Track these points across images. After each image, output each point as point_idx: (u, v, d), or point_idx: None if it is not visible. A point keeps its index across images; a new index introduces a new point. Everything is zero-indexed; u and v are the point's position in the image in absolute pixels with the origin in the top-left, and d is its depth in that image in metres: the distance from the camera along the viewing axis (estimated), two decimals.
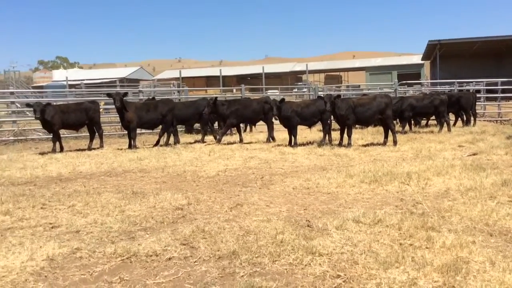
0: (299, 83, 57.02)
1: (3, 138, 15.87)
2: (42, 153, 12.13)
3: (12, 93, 19.47)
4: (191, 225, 5.15)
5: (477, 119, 17.47)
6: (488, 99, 22.67)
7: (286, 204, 6.09)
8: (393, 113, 12.95)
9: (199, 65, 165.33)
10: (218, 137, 13.58)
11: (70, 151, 12.64)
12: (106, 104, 20.07)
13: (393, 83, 22.22)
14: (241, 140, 13.59)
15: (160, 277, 3.84)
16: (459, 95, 17.08)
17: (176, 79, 50.74)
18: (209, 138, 14.63)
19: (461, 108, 16.68)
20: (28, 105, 13.18)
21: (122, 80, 57.45)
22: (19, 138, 15.90)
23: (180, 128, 16.21)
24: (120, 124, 13.99)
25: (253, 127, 17.23)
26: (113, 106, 12.88)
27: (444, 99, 14.87)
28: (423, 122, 17.44)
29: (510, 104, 23.05)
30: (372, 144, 12.13)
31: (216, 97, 13.88)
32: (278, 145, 12.49)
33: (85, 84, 34.18)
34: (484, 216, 5.14)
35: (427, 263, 3.83)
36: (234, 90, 33.45)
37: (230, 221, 5.30)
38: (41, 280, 3.84)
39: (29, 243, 4.64)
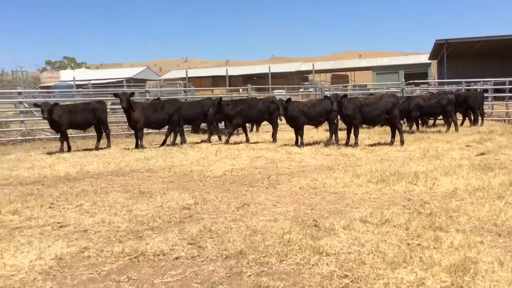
0: (305, 83, 56.97)
1: (11, 138, 15.98)
2: (49, 153, 12.21)
3: (20, 93, 19.59)
4: (198, 224, 5.16)
5: (484, 118, 17.37)
6: (495, 98, 22.54)
7: (293, 204, 6.09)
8: (400, 113, 12.91)
9: (206, 65, 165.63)
10: (225, 137, 13.58)
11: (78, 150, 12.71)
12: (113, 104, 20.15)
13: (400, 82, 22.14)
14: (247, 140, 13.60)
15: (168, 276, 3.85)
16: (467, 94, 17.00)
17: (183, 79, 50.88)
18: (215, 138, 14.66)
19: (469, 107, 16.60)
20: (36, 105, 13.27)
21: (128, 80, 57.63)
22: (27, 138, 15.99)
23: (187, 128, 16.24)
24: (127, 124, 14.05)
25: (259, 127, 17.23)
26: (120, 106, 12.92)
27: (451, 98, 14.80)
28: (431, 121, 17.37)
29: None
30: (379, 143, 12.09)
31: (220, 97, 13.89)
32: (285, 144, 12.49)
33: (92, 84, 34.37)
34: (492, 216, 5.11)
35: (435, 263, 3.82)
36: (241, 90, 33.46)
37: (237, 221, 5.31)
38: (49, 279, 3.87)
39: (38, 242, 4.67)
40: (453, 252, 4.06)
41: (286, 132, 15.10)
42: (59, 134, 12.67)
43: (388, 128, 13.01)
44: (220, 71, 69.11)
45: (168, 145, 12.97)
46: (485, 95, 19.37)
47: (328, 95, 12.74)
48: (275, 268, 3.91)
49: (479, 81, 25.60)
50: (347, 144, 11.71)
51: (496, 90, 23.32)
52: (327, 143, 12.08)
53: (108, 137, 13.38)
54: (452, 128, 14.58)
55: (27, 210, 6.01)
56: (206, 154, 11.13)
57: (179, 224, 5.31)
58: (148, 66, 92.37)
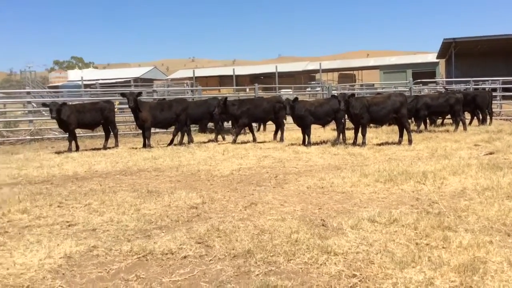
0: (312, 82, 56.87)
1: (20, 137, 16.09)
2: (58, 152, 12.28)
3: (28, 93, 19.76)
4: (206, 224, 5.17)
5: (493, 118, 17.26)
6: (504, 97, 22.37)
7: (301, 203, 6.08)
8: (408, 112, 12.86)
9: (213, 65, 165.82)
10: (233, 137, 13.58)
11: (86, 150, 12.78)
12: (120, 103, 20.23)
13: (408, 81, 22.04)
14: (254, 139, 13.60)
15: (176, 275, 3.86)
16: (475, 93, 16.90)
17: (190, 78, 50.94)
18: (221, 137, 14.68)
19: (477, 106, 16.50)
20: (44, 104, 13.36)
21: (136, 79, 57.84)
22: (35, 137, 16.10)
23: (194, 127, 16.27)
24: (135, 123, 14.11)
25: (266, 126, 17.23)
26: (128, 106, 12.98)
27: (459, 97, 14.71)
28: (439, 121, 17.28)
29: None
30: (386, 143, 12.05)
31: (226, 97, 13.89)
32: (292, 144, 12.48)
33: (100, 84, 34.54)
34: (501, 216, 5.08)
35: (444, 263, 3.80)
36: (248, 90, 33.47)
37: (245, 220, 5.31)
38: (58, 277, 3.89)
39: (47, 241, 4.70)
40: (462, 252, 4.04)
41: (293, 131, 15.10)
42: (68, 133, 12.75)
43: (395, 128, 12.96)
44: (227, 71, 69.14)
45: (175, 145, 13.01)
46: (494, 94, 19.23)
47: (336, 94, 12.71)
48: (283, 268, 3.91)
49: (488, 80, 25.40)
50: (354, 143, 11.68)
51: (505, 89, 23.15)
52: (334, 143, 12.06)
53: (116, 136, 13.44)
54: (461, 127, 14.49)
55: (36, 209, 6.05)
56: (213, 153, 11.15)
57: (187, 223, 5.32)
58: (155, 65, 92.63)
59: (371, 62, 70.21)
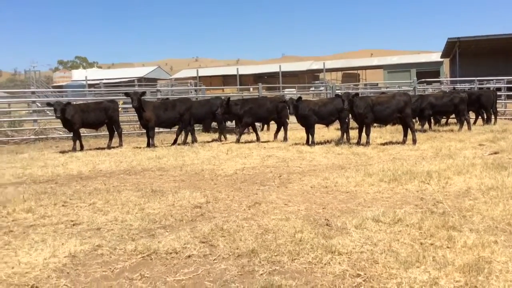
0: (316, 82, 56.80)
1: (25, 137, 16.15)
2: (62, 152, 12.32)
3: (33, 92, 19.80)
4: (210, 223, 5.18)
5: (498, 117, 17.20)
6: (509, 97, 22.29)
7: (305, 203, 6.08)
8: (413, 112, 12.83)
9: (216, 64, 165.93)
10: (237, 137, 13.58)
11: (90, 149, 12.82)
12: (124, 103, 20.27)
13: (412, 81, 21.99)
14: (258, 139, 13.60)
15: (180, 274, 3.87)
16: (480, 93, 16.84)
17: (194, 78, 50.93)
18: (226, 136, 14.69)
19: (482, 106, 16.45)
20: (49, 104, 13.38)
21: (140, 79, 57.90)
22: (40, 137, 16.16)
23: (198, 127, 16.29)
24: (139, 123, 14.13)
25: (270, 126, 17.22)
26: (132, 106, 13.01)
27: (464, 97, 14.67)
28: (443, 120, 17.24)
29: None
30: (391, 142, 12.03)
31: (229, 97, 13.88)
32: (296, 143, 12.48)
33: (104, 83, 34.58)
34: (506, 216, 5.06)
35: (449, 262, 3.79)
36: (251, 89, 33.46)
37: (249, 220, 5.31)
38: (63, 276, 3.90)
39: (51, 240, 4.72)
40: (467, 252, 4.02)
41: (297, 131, 15.09)
42: (72, 133, 12.79)
43: (400, 127, 12.94)
44: (230, 70, 69.10)
45: (179, 144, 13.03)
46: (498, 93, 19.17)
47: (340, 93, 12.69)
48: (287, 267, 3.91)
49: (492, 80, 25.33)
50: (358, 143, 11.66)
51: (509, 89, 23.06)
52: (338, 142, 12.05)
53: (120, 136, 13.48)
54: (465, 127, 14.45)
55: (41, 208, 6.08)
56: (217, 153, 11.16)
57: (191, 223, 5.33)
58: (159, 65, 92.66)
59: (375, 61, 70.00)
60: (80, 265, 4.12)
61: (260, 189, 7.00)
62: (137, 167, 9.55)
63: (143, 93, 12.92)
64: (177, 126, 13.58)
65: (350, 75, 67.91)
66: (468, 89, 21.42)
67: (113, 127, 13.35)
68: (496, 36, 39.82)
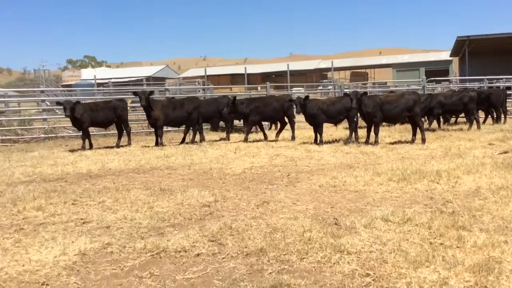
0: (324, 81, 56.68)
1: (34, 136, 16.27)
2: (72, 150, 12.40)
3: (42, 91, 19.95)
4: (218, 222, 5.19)
5: (507, 116, 17.07)
6: None
7: (313, 202, 6.07)
8: (421, 111, 12.76)
9: (224, 63, 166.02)
10: (244, 136, 13.58)
11: (99, 148, 12.89)
12: (133, 102, 20.35)
13: (421, 80, 21.87)
14: (265, 138, 13.59)
15: (189, 272, 3.88)
16: (489, 92, 16.72)
17: (201, 77, 51.04)
18: (235, 136, 14.69)
19: (491, 105, 16.33)
20: (58, 103, 13.51)
21: (148, 78, 58.10)
22: (49, 135, 16.26)
23: (206, 126, 16.32)
24: (147, 122, 14.19)
25: (277, 125, 17.19)
26: (140, 105, 13.06)
27: (473, 96, 14.58)
28: (452, 119, 17.14)
29: None
30: (399, 142, 11.98)
31: (235, 96, 13.86)
32: (304, 142, 12.46)
33: (113, 82, 34.75)
34: None
35: (458, 262, 3.77)
36: (259, 88, 33.45)
37: (257, 219, 5.32)
38: (73, 274, 3.93)
39: (62, 238, 4.75)
40: (477, 252, 4.00)
41: (305, 130, 15.08)
42: (81, 132, 12.86)
43: (408, 126, 12.87)
44: (238, 69, 69.13)
45: (187, 143, 13.06)
46: (508, 92, 19.00)
47: (348, 92, 12.66)
48: (296, 266, 3.91)
49: (502, 78, 25.11)
50: (367, 142, 11.62)
51: None
52: (346, 141, 12.02)
53: (128, 135, 13.53)
54: (474, 126, 14.37)
55: (51, 207, 6.12)
56: (225, 152, 11.17)
57: (199, 221, 5.34)
58: (167, 64, 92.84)
59: (384, 60, 69.72)
60: (90, 263, 4.14)
61: (269, 188, 7.00)
62: (145, 165, 9.59)
63: (151, 92, 12.97)
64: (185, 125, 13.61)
65: (358, 74, 67.66)
66: (478, 88, 21.26)
67: (122, 126, 13.41)
68: (506, 34, 39.45)
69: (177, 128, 15.51)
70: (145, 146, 12.84)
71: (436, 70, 50.31)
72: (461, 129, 14.60)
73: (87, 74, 63.84)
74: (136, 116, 19.46)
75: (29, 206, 6.10)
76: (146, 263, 4.12)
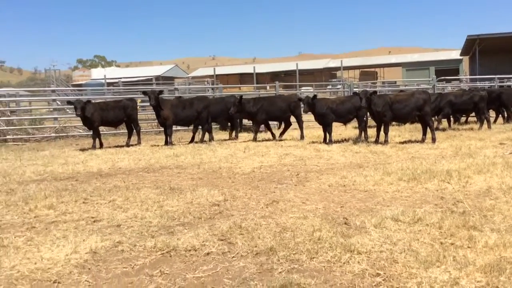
0: (333, 80, 56.53)
1: (45, 135, 16.40)
2: (82, 149, 12.49)
3: (53, 91, 20.11)
4: (228, 221, 5.20)
5: None
6: None
7: (322, 202, 6.06)
8: (432, 110, 12.68)
9: (233, 63, 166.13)
10: (253, 135, 13.58)
11: (109, 147, 12.97)
12: (143, 101, 20.44)
13: (431, 79, 21.74)
14: (273, 137, 13.57)
15: (199, 271, 3.89)
16: (500, 91, 16.58)
17: (210, 76, 51.21)
18: (243, 135, 14.70)
19: (502, 104, 16.19)
20: (69, 102, 13.59)
21: (157, 78, 58.35)
22: (60, 134, 16.39)
23: (215, 125, 16.34)
24: (157, 121, 14.24)
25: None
26: (149, 104, 13.11)
27: (484, 95, 14.46)
28: (463, 119, 17.02)
29: None
30: (409, 141, 11.92)
31: (241, 96, 13.84)
32: (313, 142, 12.44)
33: (123, 82, 34.92)
34: None
35: (469, 262, 3.75)
36: (268, 87, 33.44)
37: (267, 218, 5.32)
38: (84, 272, 3.96)
39: (73, 236, 4.79)
40: (488, 252, 3.97)
41: (314, 129, 15.06)
42: (92, 131, 12.95)
43: (418, 125, 12.81)
44: (247, 69, 69.23)
45: (196, 142, 13.09)
46: None
47: (357, 91, 12.61)
48: (306, 265, 3.90)
49: None
50: (376, 141, 11.58)
51: None
52: (356, 141, 11.98)
53: (138, 134, 13.60)
54: (485, 125, 14.26)
55: (62, 205, 6.17)
56: (235, 151, 11.18)
57: (209, 220, 5.35)
58: (176, 64, 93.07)
59: (393, 59, 69.37)
60: (101, 261, 4.17)
61: (278, 188, 7.00)
62: (155, 165, 9.63)
63: (161, 92, 13.01)
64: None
65: (367, 73, 67.43)
66: (488, 87, 21.08)
67: (132, 125, 13.48)
68: None
69: (187, 128, 15.54)
70: (155, 145, 12.90)
71: (446, 69, 50.02)
72: (472, 129, 14.50)
73: (97, 73, 64.26)
74: (146, 115, 19.55)
75: (41, 204, 6.16)
76: (156, 261, 4.14)
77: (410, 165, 7.98)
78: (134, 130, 13.52)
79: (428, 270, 3.64)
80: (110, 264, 4.11)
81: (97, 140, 12.79)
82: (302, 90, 28.12)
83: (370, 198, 6.18)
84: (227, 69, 75.71)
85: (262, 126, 14.34)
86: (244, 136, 14.75)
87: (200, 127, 13.52)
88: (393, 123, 14.13)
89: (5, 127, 16.50)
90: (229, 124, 15.27)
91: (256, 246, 4.35)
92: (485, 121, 14.36)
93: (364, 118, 12.71)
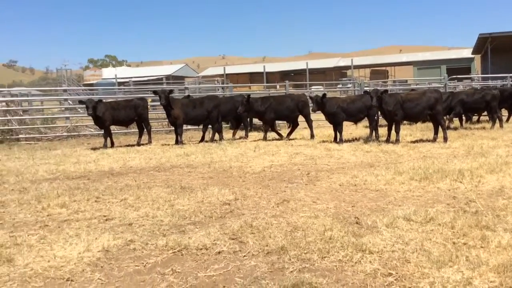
0: (343, 79, 56.31)
1: (57, 134, 16.55)
2: (94, 149, 12.57)
3: (65, 90, 20.27)
4: (239, 220, 5.21)
5: None
6: None
7: (333, 201, 6.05)
8: (443, 109, 12.58)
9: (243, 62, 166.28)
10: (263, 134, 13.56)
11: (120, 146, 13.05)
12: (153, 101, 20.51)
13: (442, 77, 21.57)
14: (280, 137, 13.49)
15: (211, 270, 3.91)
16: None
17: (220, 75, 51.26)
18: (253, 134, 14.70)
19: None
20: (81, 102, 13.69)
21: (168, 77, 58.54)
22: (72, 134, 16.53)
23: (225, 125, 16.35)
24: (167, 120, 14.28)
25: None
26: (160, 103, 13.15)
27: (496, 94, 14.32)
28: (474, 118, 16.87)
29: None
30: (421, 140, 11.83)
31: (249, 95, 13.80)
32: (323, 141, 12.40)
33: (133, 81, 35.04)
34: None
35: (482, 262, 3.72)
36: (278, 87, 33.42)
37: (277, 217, 5.32)
38: (97, 270, 3.99)
39: (85, 235, 4.83)
40: (501, 252, 3.94)
41: (324, 128, 15.02)
42: (103, 130, 13.03)
43: (430, 124, 12.71)
44: (257, 68, 69.22)
45: (206, 141, 13.11)
46: None
47: (368, 90, 12.53)
48: (317, 265, 3.90)
49: None
50: (387, 140, 11.51)
51: None
52: (367, 140, 11.93)
53: (149, 133, 13.66)
54: (497, 124, 14.12)
55: (74, 204, 6.22)
56: (245, 150, 11.18)
57: (220, 219, 5.37)
58: (186, 63, 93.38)
59: (404, 58, 68.96)
60: (114, 260, 4.20)
61: (288, 187, 6.99)
62: (166, 164, 9.67)
63: (171, 91, 13.05)
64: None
65: (378, 72, 67.11)
66: (501, 86, 20.86)
67: (143, 124, 13.54)
68: None
69: (197, 127, 15.58)
70: (165, 144, 12.95)
71: (458, 68, 49.60)
72: (484, 128, 14.37)
73: (108, 73, 64.65)
74: (156, 115, 19.63)
75: (53, 203, 6.22)
76: (168, 260, 4.16)
77: (421, 165, 7.94)
78: (145, 129, 13.59)
79: (440, 270, 3.61)
80: (122, 262, 4.14)
81: (108, 139, 12.87)
82: (312, 89, 28.06)
83: (381, 197, 6.15)
84: (237, 68, 75.76)
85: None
86: (254, 135, 14.74)
87: (210, 126, 13.54)
88: (405, 122, 14.05)
89: (18, 126, 16.68)
90: (229, 124, 15.28)
91: (267, 245, 4.36)
92: (497, 120, 14.22)
93: (375, 117, 12.63)
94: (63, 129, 17.09)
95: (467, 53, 56.36)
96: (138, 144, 13.12)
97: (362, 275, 3.66)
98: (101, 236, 4.77)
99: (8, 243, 4.68)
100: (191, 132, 16.49)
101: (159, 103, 13.43)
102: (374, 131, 12.37)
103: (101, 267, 4.05)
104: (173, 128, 13.51)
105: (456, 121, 15.32)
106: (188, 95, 15.54)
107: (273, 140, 13.22)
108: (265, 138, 13.24)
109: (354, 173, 7.65)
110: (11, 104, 18.07)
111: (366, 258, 3.95)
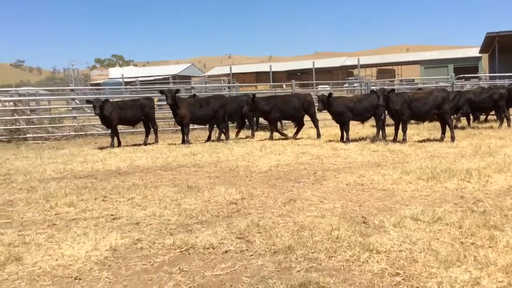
0: (350, 78, 56.18)
1: (65, 133, 16.64)
2: (101, 148, 12.63)
3: (72, 90, 20.36)
4: (245, 219, 5.21)
5: None
6: None
7: (340, 200, 6.04)
8: (451, 108, 12.52)
9: (249, 61, 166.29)
10: (270, 134, 13.55)
11: (127, 146, 13.09)
12: (160, 100, 20.56)
13: (449, 77, 21.46)
14: (284, 136, 13.46)
15: (218, 269, 3.91)
16: None
17: (227, 75, 51.24)
18: (260, 133, 14.69)
19: None
20: (88, 101, 13.76)
21: (174, 77, 58.65)
22: (79, 133, 16.61)
23: (231, 124, 16.35)
24: (174, 120, 14.30)
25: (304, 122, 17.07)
26: (166, 103, 13.17)
27: (503, 93, 14.24)
28: (482, 117, 16.78)
29: None
30: (428, 140, 11.78)
31: (254, 94, 13.79)
32: (330, 140, 12.38)
33: (140, 81, 35.15)
34: None
35: (491, 262, 3.70)
36: (284, 86, 33.37)
37: (284, 216, 5.32)
38: (105, 269, 4.01)
39: (93, 234, 4.85)
40: (510, 252, 3.91)
41: (330, 128, 14.99)
42: (110, 129, 13.08)
43: (437, 124, 12.65)
44: (263, 67, 69.15)
45: (213, 141, 13.13)
46: None
47: (375, 89, 12.48)
48: (324, 264, 3.89)
49: None
50: (394, 140, 11.47)
51: None
52: (373, 139, 11.89)
53: (155, 132, 13.70)
54: (505, 124, 14.03)
55: (82, 203, 6.26)
56: (251, 149, 11.18)
57: (227, 219, 5.37)
58: (192, 63, 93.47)
59: (411, 57, 68.67)
60: (121, 258, 4.22)
61: (295, 186, 6.99)
62: (172, 163, 9.70)
63: (177, 91, 13.07)
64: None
65: (385, 71, 66.85)
66: (508, 85, 20.73)
67: (149, 123, 13.58)
68: None
69: (203, 126, 15.60)
70: (172, 144, 12.98)
71: (465, 67, 49.34)
72: (491, 127, 14.29)
73: (115, 73, 64.85)
74: (163, 114, 19.67)
75: (61, 202, 6.25)
76: (175, 259, 4.18)
77: (429, 164, 7.90)
78: (152, 129, 13.62)
79: (448, 270, 3.60)
80: (130, 261, 4.16)
81: (115, 138, 12.92)
82: (318, 89, 28.01)
83: (388, 197, 6.13)
84: (244, 68, 75.70)
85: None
86: (260, 134, 14.74)
87: (217, 125, 13.55)
88: (412, 121, 13.99)
89: (26, 126, 16.79)
90: (235, 123, 15.27)
91: (274, 245, 4.36)
92: (505, 120, 14.13)
93: (382, 117, 12.59)
94: (71, 128, 17.18)
95: (474, 52, 56.00)
96: (145, 144, 13.16)
97: (370, 275, 3.66)
98: (109, 235, 4.79)
99: (16, 241, 4.71)
100: (198, 132, 16.52)
101: (165, 103, 13.46)
102: (381, 131, 12.32)
103: (109, 265, 4.07)
104: (180, 128, 13.54)
105: (463, 121, 15.23)
106: (194, 95, 15.56)
107: (279, 139, 13.20)
108: (271, 138, 13.23)
109: (361, 173, 7.63)
110: (18, 104, 18.21)
111: (373, 257, 3.94)
